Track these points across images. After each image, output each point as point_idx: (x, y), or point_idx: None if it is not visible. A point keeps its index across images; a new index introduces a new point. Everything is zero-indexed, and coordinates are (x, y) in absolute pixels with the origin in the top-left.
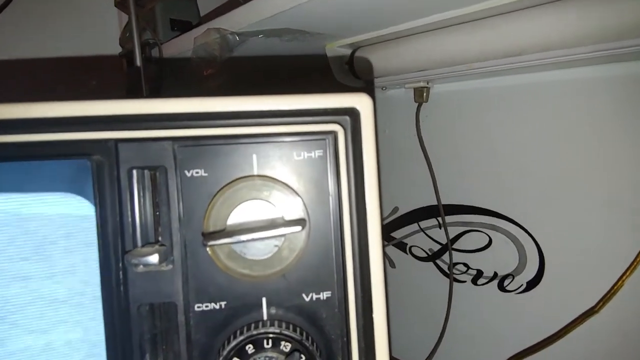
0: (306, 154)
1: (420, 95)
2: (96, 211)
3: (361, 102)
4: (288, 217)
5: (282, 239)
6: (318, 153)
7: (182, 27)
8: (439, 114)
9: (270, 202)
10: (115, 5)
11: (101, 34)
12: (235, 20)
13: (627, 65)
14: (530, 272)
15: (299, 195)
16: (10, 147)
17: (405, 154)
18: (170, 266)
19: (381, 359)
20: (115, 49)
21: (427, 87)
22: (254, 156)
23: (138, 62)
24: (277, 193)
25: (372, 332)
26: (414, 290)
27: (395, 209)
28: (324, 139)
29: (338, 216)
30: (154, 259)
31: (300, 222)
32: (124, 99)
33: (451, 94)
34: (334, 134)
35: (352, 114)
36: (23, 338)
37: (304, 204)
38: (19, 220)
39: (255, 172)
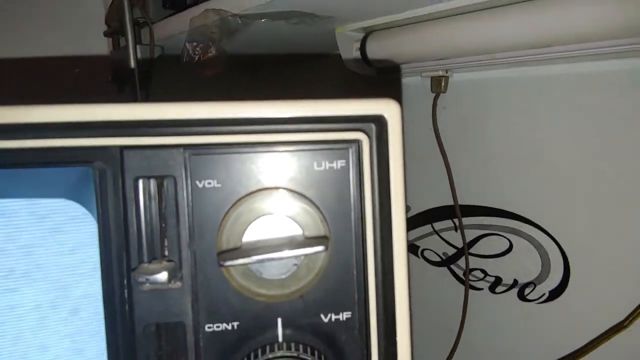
0: (328, 164)
1: (438, 85)
2: (98, 224)
3: (389, 109)
4: (308, 234)
5: (302, 257)
6: (340, 163)
7: (174, 4)
8: (458, 105)
9: (289, 217)
10: None
11: (85, 13)
12: (238, 2)
13: None
14: (553, 280)
15: (319, 210)
16: (7, 153)
17: (419, 149)
18: (179, 284)
19: None
20: (99, 28)
21: (445, 77)
22: (272, 166)
23: (132, 64)
24: (297, 207)
25: (394, 356)
26: (425, 297)
27: (407, 209)
28: (347, 148)
29: (360, 231)
30: (162, 276)
31: (322, 240)
32: (130, 102)
33: (472, 84)
34: (357, 142)
35: (379, 121)
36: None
37: (325, 219)
38: (14, 226)
39: (273, 184)
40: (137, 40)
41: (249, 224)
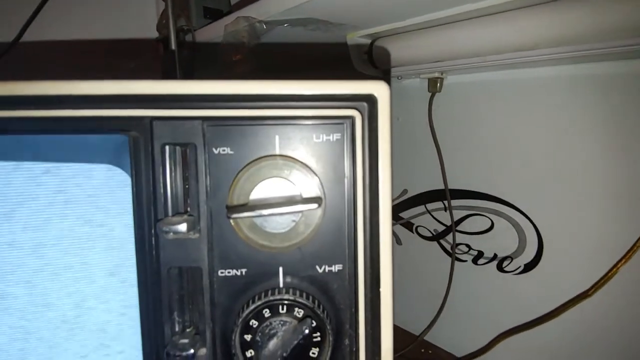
0: (325, 137)
1: (434, 85)
2: (132, 182)
3: (379, 90)
4: (306, 195)
5: (300, 214)
6: (336, 136)
7: (214, 15)
8: (450, 104)
9: (290, 181)
10: None
11: (140, 20)
12: (263, 9)
13: (633, 63)
14: (528, 255)
15: (316, 175)
16: (58, 120)
17: (416, 141)
18: (197, 235)
19: (386, 329)
20: (152, 34)
21: (441, 78)
22: (277, 137)
23: (173, 46)
24: (297, 172)
25: (378, 304)
26: (417, 267)
27: (405, 192)
28: (342, 124)
29: (352, 196)
30: (182, 227)
31: (316, 200)
32: (159, 79)
33: (463, 86)
34: (351, 119)
35: (370, 100)
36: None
37: (321, 183)
38: (68, 183)
39: (277, 152)
40: (182, 44)
41: (256, 185)
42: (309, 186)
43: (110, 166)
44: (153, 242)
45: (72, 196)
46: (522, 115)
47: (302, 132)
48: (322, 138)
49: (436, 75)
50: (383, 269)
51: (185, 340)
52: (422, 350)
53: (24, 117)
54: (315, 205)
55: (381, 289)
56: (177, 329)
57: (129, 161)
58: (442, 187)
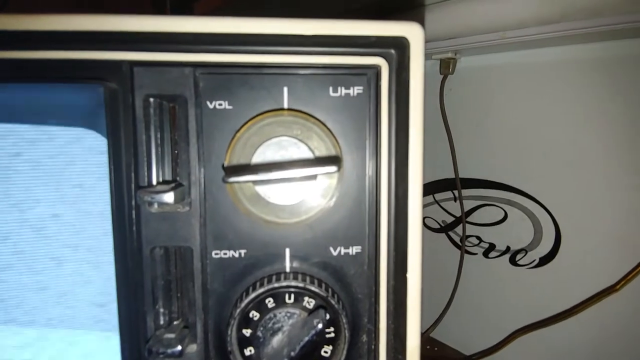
0: (344, 90)
1: (447, 66)
2: (108, 142)
3: (411, 32)
4: (320, 157)
5: (311, 184)
6: (357, 90)
7: None
8: (463, 87)
9: (300, 141)
10: None
11: None
12: None
13: None
14: (544, 248)
15: (333, 136)
16: (12, 64)
17: (424, 126)
18: (188, 207)
19: (412, 323)
20: None
21: (454, 59)
22: (285, 89)
23: None
24: (309, 131)
25: (404, 294)
26: (424, 260)
27: None
28: (365, 74)
29: (375, 164)
30: (169, 197)
31: (335, 160)
32: (140, 14)
33: (478, 69)
34: (376, 68)
35: (399, 46)
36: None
37: (339, 146)
38: (35, 148)
39: (286, 107)
40: None
41: (259, 146)
42: (325, 148)
43: (84, 130)
44: (133, 216)
45: (35, 164)
46: (539, 99)
47: (316, 84)
48: (341, 91)
49: (449, 55)
50: (411, 251)
51: (172, 335)
52: (428, 347)
53: None
54: (334, 168)
55: (408, 276)
56: (161, 322)
57: (104, 117)
58: (451, 176)
